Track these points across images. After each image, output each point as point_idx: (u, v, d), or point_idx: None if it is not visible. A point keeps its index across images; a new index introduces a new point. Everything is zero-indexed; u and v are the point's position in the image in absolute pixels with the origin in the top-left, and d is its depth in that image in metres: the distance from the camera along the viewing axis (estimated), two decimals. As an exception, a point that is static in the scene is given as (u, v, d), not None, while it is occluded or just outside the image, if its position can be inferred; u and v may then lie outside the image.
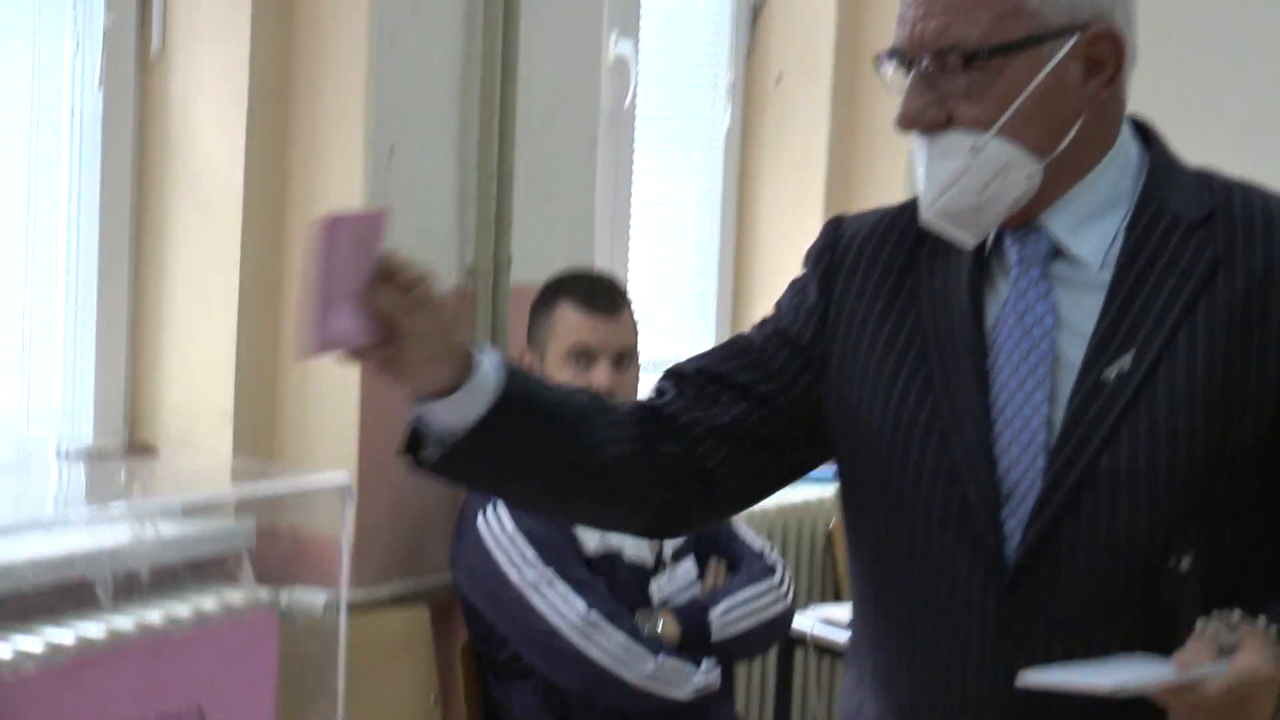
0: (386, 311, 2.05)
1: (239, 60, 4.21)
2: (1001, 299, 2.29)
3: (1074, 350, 2.23)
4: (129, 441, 4.29)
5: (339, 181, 4.31)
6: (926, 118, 2.19)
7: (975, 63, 2.13)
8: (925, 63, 2.16)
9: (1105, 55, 2.19)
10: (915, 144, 2.25)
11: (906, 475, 2.29)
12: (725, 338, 5.82)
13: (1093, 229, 2.25)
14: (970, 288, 2.30)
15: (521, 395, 2.25)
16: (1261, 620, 2.03)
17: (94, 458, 2.60)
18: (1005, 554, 2.20)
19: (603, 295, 4.50)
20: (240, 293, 4.25)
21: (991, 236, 2.30)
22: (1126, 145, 2.29)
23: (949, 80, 2.16)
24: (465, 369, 2.17)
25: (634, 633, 4.10)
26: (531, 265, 4.71)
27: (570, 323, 4.43)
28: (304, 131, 4.33)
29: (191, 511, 2.09)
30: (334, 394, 4.28)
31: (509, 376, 2.22)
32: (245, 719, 1.93)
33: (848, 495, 2.49)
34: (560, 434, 2.32)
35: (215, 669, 1.92)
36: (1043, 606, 2.19)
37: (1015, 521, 2.20)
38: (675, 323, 4.84)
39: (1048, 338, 2.22)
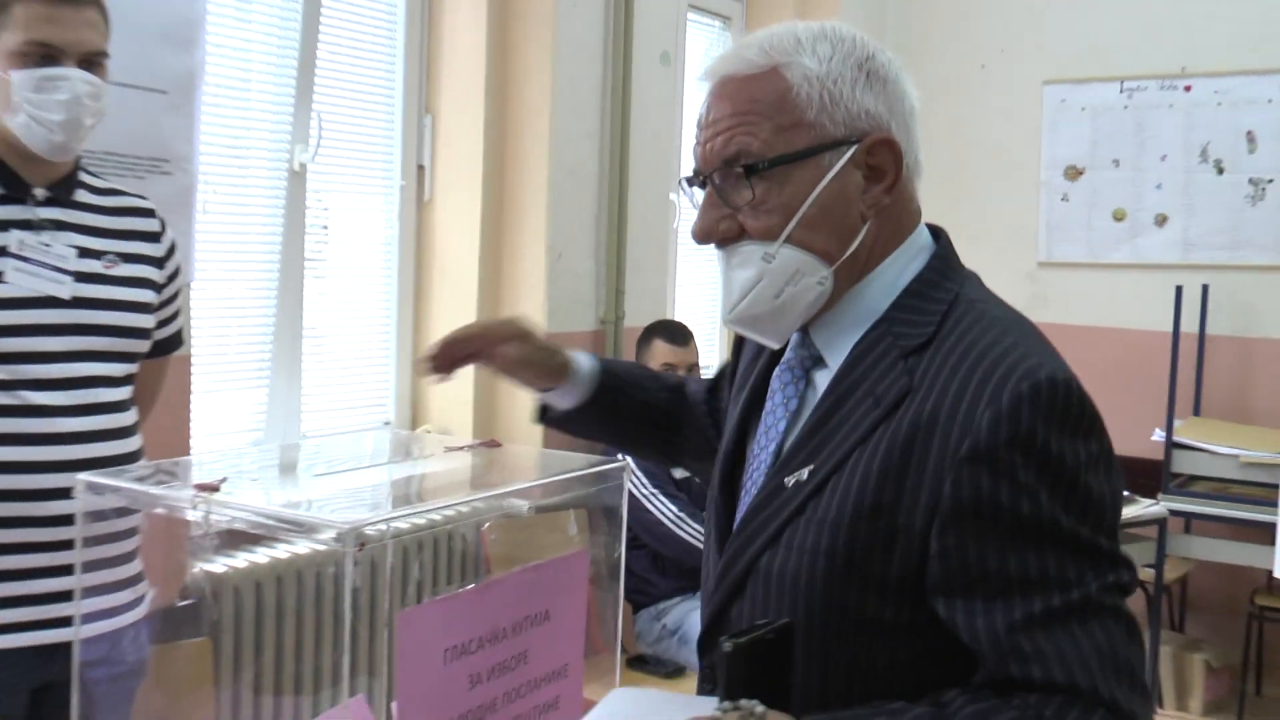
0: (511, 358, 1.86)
1: (473, 203, 4.12)
2: None
3: None
4: (412, 423, 4.22)
5: (531, 272, 4.21)
6: (719, 230, 1.50)
7: (758, 173, 1.45)
8: (715, 177, 1.48)
9: (885, 163, 1.47)
10: (716, 256, 1.55)
11: (707, 534, 1.73)
12: (726, 353, 5.84)
13: (844, 342, 1.51)
14: (760, 381, 1.67)
15: (609, 392, 1.95)
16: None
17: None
18: None
19: (679, 333, 4.36)
20: None
21: None
22: (909, 257, 1.52)
23: (738, 193, 1.46)
24: (565, 375, 1.89)
25: (704, 523, 4.04)
26: (636, 316, 4.60)
27: (661, 350, 4.29)
28: (511, 245, 4.22)
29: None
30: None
31: (600, 384, 1.93)
32: (572, 614, 1.85)
33: None
34: (637, 409, 2.01)
35: (557, 583, 1.84)
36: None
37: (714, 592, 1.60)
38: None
39: (774, 441, 1.55)
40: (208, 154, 3.30)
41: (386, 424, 4.14)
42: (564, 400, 1.94)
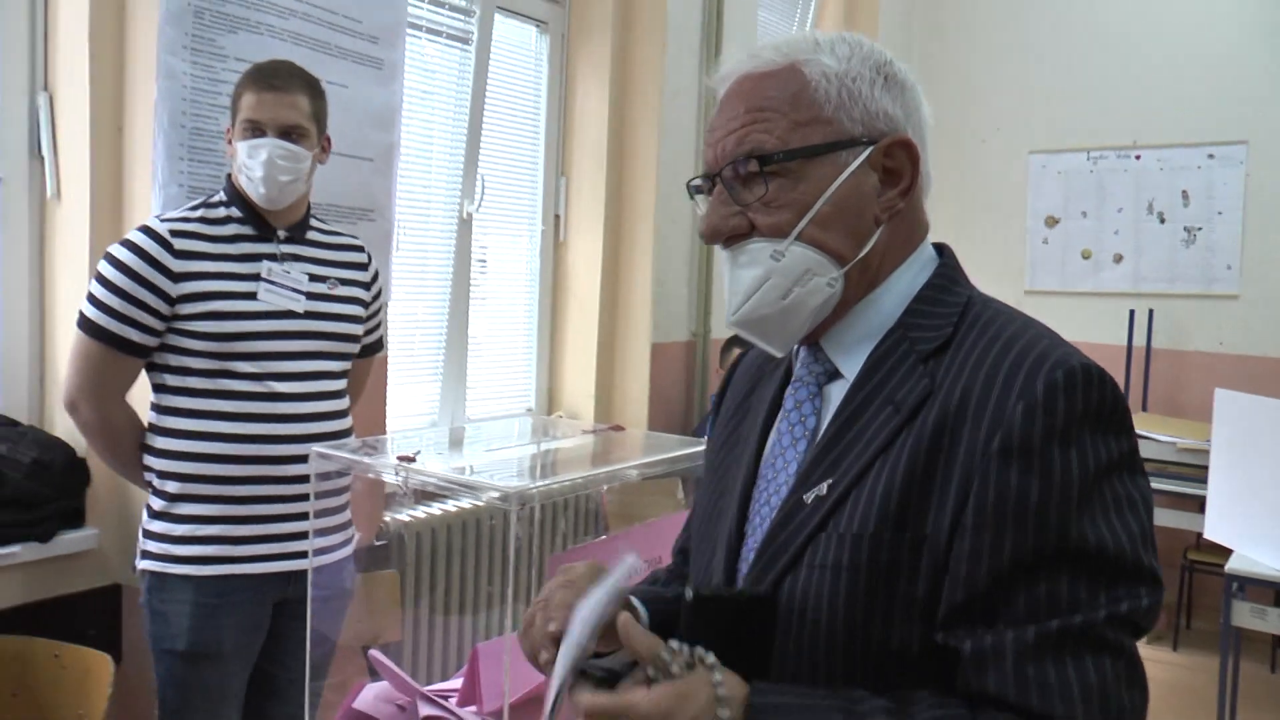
0: None
1: (597, 244, 4.05)
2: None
3: None
4: (549, 409, 4.18)
5: (640, 296, 4.11)
6: (728, 227, 1.09)
7: (772, 166, 1.06)
8: (726, 173, 1.08)
9: (901, 164, 1.10)
10: (722, 258, 1.13)
11: (695, 566, 1.23)
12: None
13: (860, 351, 1.10)
14: (772, 402, 1.19)
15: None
16: (711, 662, 0.97)
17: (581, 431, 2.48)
18: None
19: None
20: (598, 341, 4.07)
21: (795, 350, 1.18)
22: (918, 268, 1.13)
23: (749, 190, 1.08)
24: None
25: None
26: (719, 330, 4.50)
27: (738, 356, 4.21)
28: (625, 276, 4.14)
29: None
30: (637, 385, 4.19)
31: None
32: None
33: None
34: None
35: (668, 535, 1.81)
36: None
37: None
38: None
39: (794, 461, 1.11)
40: (401, 206, 3.28)
41: (529, 411, 4.12)
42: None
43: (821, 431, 1.10)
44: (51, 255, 2.62)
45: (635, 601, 1.23)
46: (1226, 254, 5.31)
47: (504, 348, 4.04)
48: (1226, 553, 3.61)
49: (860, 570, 0.99)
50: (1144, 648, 4.85)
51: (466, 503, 3.27)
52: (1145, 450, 4.91)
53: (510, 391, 4.07)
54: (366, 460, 1.98)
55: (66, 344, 2.31)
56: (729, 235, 1.10)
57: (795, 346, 1.17)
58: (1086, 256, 5.62)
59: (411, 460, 1.93)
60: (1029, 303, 5.65)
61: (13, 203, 2.57)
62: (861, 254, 1.09)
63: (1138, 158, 5.52)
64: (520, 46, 3.97)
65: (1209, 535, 3.67)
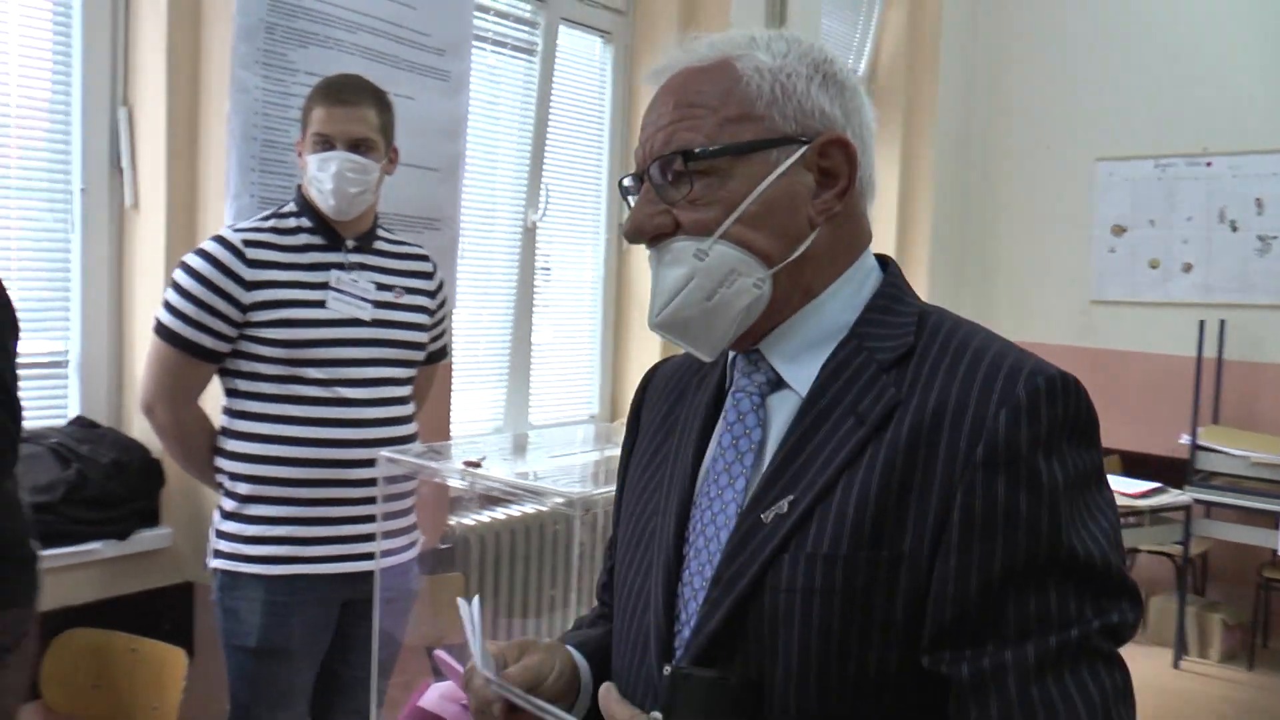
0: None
1: None
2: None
3: None
4: (612, 416, 4.18)
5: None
6: (652, 225, 1.02)
7: (699, 163, 0.99)
8: (653, 170, 1.01)
9: (838, 165, 1.01)
10: (648, 259, 1.05)
11: (622, 593, 1.11)
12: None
13: (808, 360, 1.01)
14: (706, 414, 1.09)
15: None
16: None
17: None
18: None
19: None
20: (661, 348, 4.00)
21: (730, 359, 1.09)
22: (861, 277, 1.04)
23: (676, 188, 1.00)
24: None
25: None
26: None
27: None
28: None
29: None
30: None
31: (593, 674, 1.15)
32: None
33: None
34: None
35: None
36: None
37: (683, 649, 1.00)
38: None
39: (742, 476, 1.01)
40: (466, 215, 3.32)
41: (592, 417, 4.14)
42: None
43: (770, 444, 1.02)
44: (130, 263, 2.71)
45: (578, 657, 1.15)
46: (1304, 263, 5.20)
47: (567, 355, 4.07)
48: (1302, 569, 3.53)
49: (835, 594, 0.92)
50: (1218, 667, 4.77)
51: (530, 507, 3.30)
52: (1217, 464, 4.84)
53: (573, 398, 4.09)
54: (433, 465, 2.02)
55: (143, 349, 2.38)
56: (653, 234, 1.03)
57: (730, 354, 1.10)
58: (1155, 266, 5.51)
59: (477, 465, 1.96)
60: (1095, 313, 5.56)
61: (94, 212, 2.66)
62: (793, 256, 1.01)
63: (1209, 165, 5.40)
64: (584, 57, 4.01)
65: (1284, 551, 3.60)
